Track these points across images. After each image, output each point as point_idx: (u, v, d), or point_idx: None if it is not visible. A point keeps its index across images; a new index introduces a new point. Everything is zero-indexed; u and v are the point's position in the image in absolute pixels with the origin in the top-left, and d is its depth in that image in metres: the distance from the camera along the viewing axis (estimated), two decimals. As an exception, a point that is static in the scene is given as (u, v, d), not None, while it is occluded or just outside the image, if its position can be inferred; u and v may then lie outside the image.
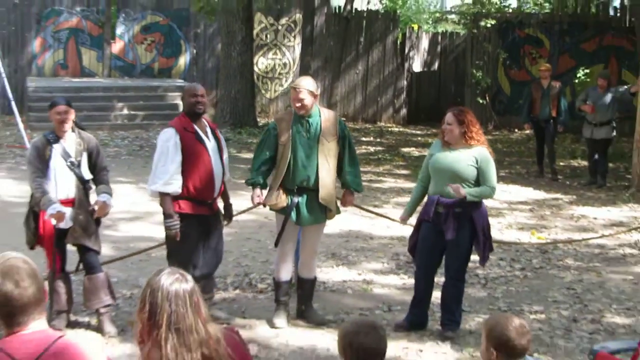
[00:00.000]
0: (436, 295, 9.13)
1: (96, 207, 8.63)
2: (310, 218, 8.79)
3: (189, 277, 3.99)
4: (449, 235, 8.48)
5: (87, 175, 8.62)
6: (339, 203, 9.17)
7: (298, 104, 8.64)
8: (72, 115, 8.56)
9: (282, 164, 8.70)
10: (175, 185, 8.46)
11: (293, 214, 8.73)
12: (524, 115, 18.42)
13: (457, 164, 8.49)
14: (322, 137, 8.70)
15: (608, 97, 16.89)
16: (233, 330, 4.18)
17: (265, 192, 8.91)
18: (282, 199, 8.72)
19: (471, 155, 8.49)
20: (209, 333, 3.92)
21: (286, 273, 9.02)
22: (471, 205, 8.51)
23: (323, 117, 8.79)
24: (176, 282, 3.89)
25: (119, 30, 26.99)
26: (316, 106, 8.84)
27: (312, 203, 8.74)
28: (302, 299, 9.16)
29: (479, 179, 8.52)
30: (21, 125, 20.12)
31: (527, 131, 19.36)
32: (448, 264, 8.77)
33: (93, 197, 8.78)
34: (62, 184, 8.47)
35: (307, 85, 8.70)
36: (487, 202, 8.71)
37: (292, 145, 8.65)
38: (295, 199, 8.72)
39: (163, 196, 8.54)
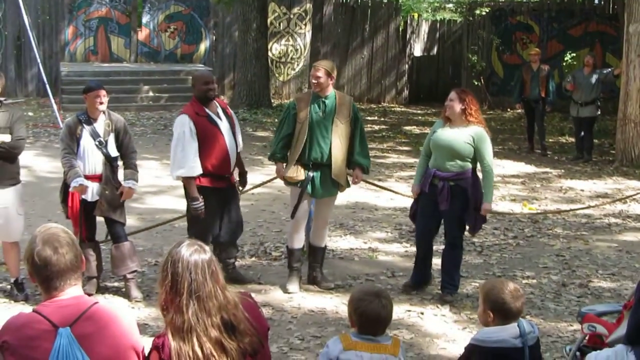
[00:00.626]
0: (436, 262, 9.13)
1: (124, 191, 8.63)
2: (323, 191, 8.79)
3: (207, 247, 3.97)
4: (443, 206, 8.52)
5: (114, 152, 8.59)
6: (349, 179, 9.13)
7: (315, 81, 8.72)
8: (107, 99, 8.57)
9: (300, 140, 8.71)
10: (196, 169, 8.48)
11: (309, 187, 8.72)
12: (515, 95, 18.42)
13: (455, 141, 8.47)
14: (336, 118, 8.72)
15: (593, 78, 16.86)
16: (247, 294, 4.16)
17: (284, 165, 8.91)
18: (301, 173, 8.72)
19: (468, 134, 8.46)
20: (227, 298, 3.90)
21: (299, 242, 8.99)
22: (465, 180, 8.52)
23: (338, 99, 8.80)
24: (195, 253, 3.87)
25: (145, 19, 26.92)
26: (333, 89, 8.85)
27: (325, 177, 8.74)
28: (314, 266, 9.13)
29: (476, 156, 8.48)
30: (55, 107, 20.16)
31: (519, 110, 19.28)
32: (446, 231, 8.82)
33: (120, 173, 8.77)
34: (90, 161, 8.48)
35: (326, 65, 8.85)
36: (481, 176, 8.66)
37: (309, 123, 8.67)
38: (311, 174, 8.71)
39: (187, 180, 8.54)
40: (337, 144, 8.73)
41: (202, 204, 8.49)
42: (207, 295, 3.83)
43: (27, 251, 3.77)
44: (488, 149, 8.53)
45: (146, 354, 3.89)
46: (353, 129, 8.87)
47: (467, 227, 8.78)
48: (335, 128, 8.72)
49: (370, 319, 4.59)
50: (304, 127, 8.69)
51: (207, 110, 8.59)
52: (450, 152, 8.51)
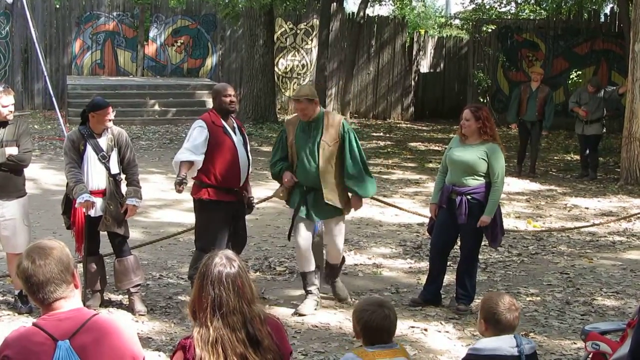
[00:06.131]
0: (447, 278, 9.18)
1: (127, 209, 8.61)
2: (319, 214, 8.62)
3: (236, 261, 3.95)
4: (461, 220, 8.62)
5: (116, 169, 8.57)
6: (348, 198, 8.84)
7: (301, 114, 8.55)
8: (114, 114, 8.60)
9: (292, 164, 8.65)
10: (184, 155, 8.42)
11: (303, 209, 8.58)
12: (512, 115, 17.57)
13: (469, 157, 8.59)
14: (323, 141, 8.48)
15: (598, 97, 16.80)
16: (275, 316, 4.17)
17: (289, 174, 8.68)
18: (285, 194, 8.73)
19: (482, 150, 8.57)
20: (253, 312, 3.91)
21: (308, 265, 8.76)
22: (481, 193, 8.58)
23: (326, 121, 8.56)
24: (220, 267, 3.88)
25: (152, 33, 27.01)
26: (322, 111, 8.66)
27: (319, 200, 8.55)
28: (328, 277, 9.11)
29: (489, 172, 8.54)
30: (61, 120, 20.18)
31: (513, 130, 18.88)
32: (462, 245, 8.93)
33: (124, 187, 8.76)
34: (93, 175, 8.46)
35: (306, 94, 8.52)
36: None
37: (296, 148, 8.58)
38: (304, 196, 8.58)
39: (182, 163, 8.43)
40: (324, 167, 8.49)
41: (183, 180, 8.29)
42: (231, 311, 3.84)
43: (15, 266, 3.85)
44: (500, 165, 8.60)
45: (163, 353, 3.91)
46: (342, 150, 8.57)
47: (488, 241, 8.90)
48: (322, 151, 8.48)
49: (373, 328, 4.61)
50: (293, 151, 8.63)
51: (223, 122, 8.60)
52: (465, 168, 8.62)
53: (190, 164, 8.53)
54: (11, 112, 8.33)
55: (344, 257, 9.24)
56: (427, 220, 10.04)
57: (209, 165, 8.50)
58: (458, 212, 8.62)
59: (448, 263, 9.20)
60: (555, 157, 19.94)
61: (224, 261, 3.90)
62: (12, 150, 8.29)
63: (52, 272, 3.73)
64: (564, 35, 25.66)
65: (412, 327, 8.36)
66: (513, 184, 16.35)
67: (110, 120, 8.50)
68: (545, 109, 16.92)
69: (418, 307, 8.87)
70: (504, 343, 4.87)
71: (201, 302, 3.85)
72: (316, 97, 8.57)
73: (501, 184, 8.64)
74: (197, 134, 8.53)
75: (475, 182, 8.59)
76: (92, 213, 8.44)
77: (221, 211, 8.52)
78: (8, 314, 8.54)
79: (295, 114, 8.75)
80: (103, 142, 8.50)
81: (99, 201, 8.46)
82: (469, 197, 8.60)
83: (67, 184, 8.52)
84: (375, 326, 4.61)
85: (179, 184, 8.35)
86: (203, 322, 3.84)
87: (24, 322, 7.30)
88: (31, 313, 8.39)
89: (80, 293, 3.91)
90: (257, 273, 10.01)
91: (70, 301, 3.79)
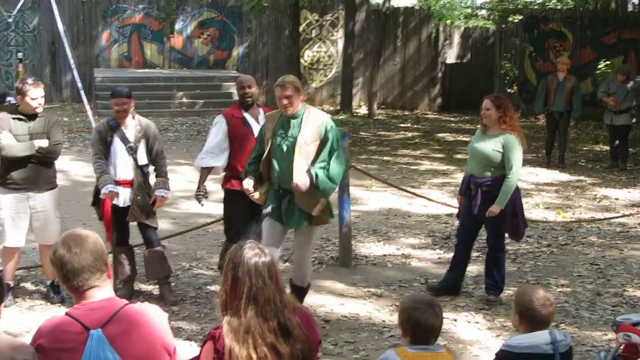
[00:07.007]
0: (470, 268, 9.15)
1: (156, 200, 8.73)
2: (291, 221, 7.68)
3: (268, 250, 3.96)
4: (475, 210, 8.62)
5: (144, 160, 8.62)
6: (326, 207, 7.78)
7: (285, 101, 7.51)
8: (131, 105, 8.56)
9: (267, 163, 7.73)
10: (203, 161, 8.71)
11: (273, 214, 7.71)
12: (539, 105, 17.49)
13: (485, 149, 8.56)
14: (300, 138, 7.50)
15: (627, 87, 16.67)
16: (304, 306, 4.18)
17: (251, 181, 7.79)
18: (261, 197, 7.78)
19: (499, 141, 8.51)
20: (284, 302, 3.92)
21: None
22: (497, 187, 8.50)
23: (306, 116, 7.59)
24: (256, 257, 3.88)
25: (178, 25, 27.09)
26: (303, 107, 7.66)
27: (291, 206, 7.64)
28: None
29: (504, 163, 8.47)
30: (89, 112, 20.31)
31: (542, 121, 18.73)
32: (487, 236, 8.91)
33: (152, 179, 8.83)
34: (121, 166, 8.52)
35: (293, 81, 7.62)
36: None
37: (272, 145, 7.66)
38: (278, 200, 7.70)
39: (203, 170, 8.80)
40: (300, 167, 7.50)
41: (203, 194, 8.80)
42: (266, 300, 3.84)
43: (50, 254, 3.87)
44: (516, 156, 8.48)
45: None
46: (322, 150, 7.58)
47: (508, 234, 8.83)
48: (298, 149, 7.50)
49: (423, 328, 4.52)
50: (269, 148, 7.69)
51: (244, 114, 8.62)
52: (481, 159, 8.61)
53: (211, 169, 8.71)
54: (40, 104, 8.37)
55: (307, 285, 8.19)
56: (455, 211, 10.04)
57: (231, 157, 8.62)
58: (473, 203, 8.63)
59: (477, 254, 9.15)
60: (585, 148, 19.81)
61: (257, 251, 3.90)
62: (42, 143, 8.33)
63: (87, 260, 3.77)
64: (591, 24, 25.44)
65: (442, 317, 8.32)
66: (542, 175, 16.27)
67: (123, 110, 8.48)
68: (572, 99, 16.82)
69: (433, 293, 8.76)
70: (539, 340, 4.80)
71: (234, 293, 3.84)
72: (302, 90, 7.68)
73: (514, 176, 8.48)
74: (214, 132, 8.70)
75: (491, 174, 8.55)
76: (119, 203, 8.49)
77: (245, 201, 8.42)
78: (41, 304, 8.61)
79: (277, 110, 7.80)
80: (130, 133, 8.53)
81: (126, 192, 8.52)
82: (485, 188, 8.57)
83: (96, 176, 8.58)
84: (425, 326, 4.51)
85: (198, 200, 8.80)
86: (235, 312, 3.83)
87: (57, 312, 7.33)
88: (63, 303, 8.45)
89: (111, 283, 3.94)
90: (286, 263, 9.99)
91: (102, 290, 3.83)
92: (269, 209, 7.71)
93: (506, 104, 8.61)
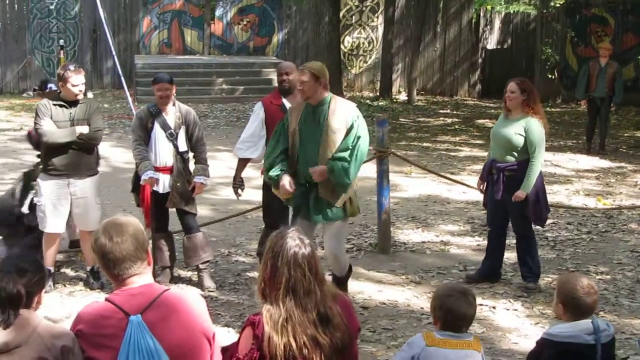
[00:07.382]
0: (507, 255, 9.14)
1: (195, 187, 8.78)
2: (317, 216, 7.61)
3: (307, 241, 3.95)
4: (497, 195, 8.60)
5: (184, 146, 8.67)
6: (352, 200, 7.71)
7: (300, 87, 7.54)
8: (173, 91, 8.59)
9: (292, 157, 7.63)
10: (239, 151, 8.71)
11: (300, 212, 7.70)
12: (580, 91, 17.33)
13: (507, 133, 8.55)
14: (327, 128, 7.44)
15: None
16: (344, 293, 4.18)
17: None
18: (284, 192, 7.60)
19: (521, 125, 8.48)
20: (324, 292, 3.92)
21: None
22: (521, 171, 8.47)
23: (332, 106, 7.51)
24: (296, 248, 3.87)
25: (218, 12, 27.14)
26: (329, 96, 7.58)
27: (319, 199, 7.57)
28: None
29: (527, 147, 8.46)
30: (130, 99, 20.43)
31: (583, 107, 18.44)
32: (512, 223, 8.87)
33: (191, 165, 8.88)
34: (161, 153, 8.58)
35: (312, 67, 7.54)
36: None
37: (299, 135, 7.58)
38: (305, 195, 7.63)
39: (240, 161, 8.81)
40: (324, 155, 7.43)
41: (240, 185, 8.82)
42: (305, 292, 3.85)
43: (92, 241, 3.90)
44: (538, 140, 8.44)
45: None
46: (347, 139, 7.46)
47: (531, 220, 8.75)
48: (324, 137, 7.45)
49: (455, 316, 4.56)
50: (294, 140, 7.60)
51: (283, 100, 8.57)
52: (504, 144, 8.59)
53: (247, 160, 8.74)
54: (81, 91, 8.45)
55: (350, 267, 8.31)
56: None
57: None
58: (495, 188, 8.60)
59: (515, 240, 9.07)
60: (626, 134, 19.63)
61: (297, 242, 3.89)
62: (83, 129, 8.41)
63: (128, 249, 3.80)
64: (633, 9, 25.12)
65: (481, 304, 8.28)
66: (582, 161, 16.15)
67: (165, 96, 8.50)
68: (615, 85, 16.66)
69: (473, 283, 8.76)
70: (581, 329, 4.75)
71: (273, 282, 3.85)
72: (324, 78, 7.51)
73: (539, 159, 8.44)
74: (251, 120, 8.73)
75: (514, 159, 8.51)
76: (159, 189, 8.55)
77: None
78: (81, 290, 8.70)
79: (300, 101, 7.77)
80: (171, 119, 8.58)
81: (166, 178, 8.57)
82: (507, 173, 8.53)
83: (136, 162, 8.66)
84: (457, 314, 4.55)
85: (235, 191, 8.85)
86: (274, 302, 3.84)
87: (97, 298, 7.41)
88: (103, 289, 8.53)
89: (151, 269, 3.97)
90: (324, 251, 10.00)
91: (142, 277, 3.87)
92: (299, 207, 7.68)
93: (531, 88, 8.60)
